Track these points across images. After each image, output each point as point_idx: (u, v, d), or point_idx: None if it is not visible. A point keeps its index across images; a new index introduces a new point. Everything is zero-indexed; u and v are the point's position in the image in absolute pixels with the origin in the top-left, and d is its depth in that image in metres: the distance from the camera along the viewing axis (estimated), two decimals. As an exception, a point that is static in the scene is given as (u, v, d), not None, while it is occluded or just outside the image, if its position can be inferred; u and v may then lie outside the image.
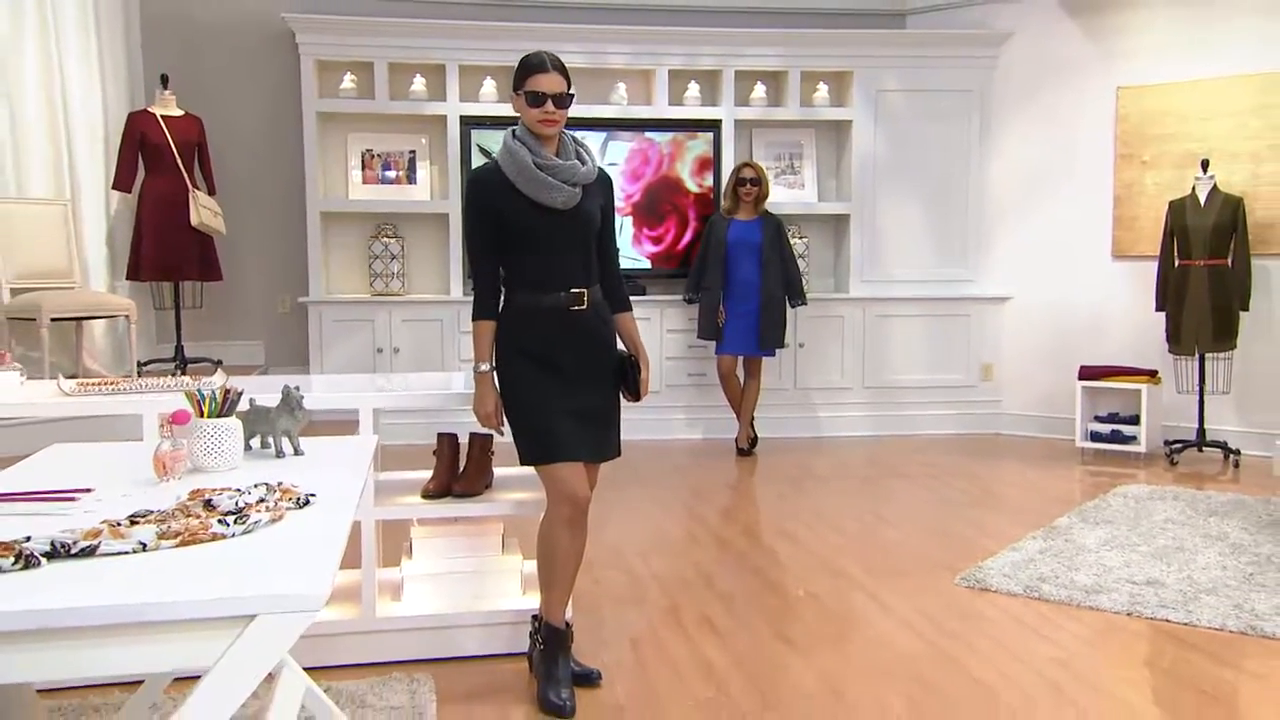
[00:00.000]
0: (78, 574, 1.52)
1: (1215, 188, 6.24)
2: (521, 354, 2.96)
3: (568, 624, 3.07)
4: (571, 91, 2.91)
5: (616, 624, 3.58)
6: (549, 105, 2.86)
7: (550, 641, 3.00)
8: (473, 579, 3.44)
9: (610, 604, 3.78)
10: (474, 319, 2.99)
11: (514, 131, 2.94)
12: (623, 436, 3.12)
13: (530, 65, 2.89)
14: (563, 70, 2.91)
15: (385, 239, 6.98)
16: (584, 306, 2.97)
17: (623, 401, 3.10)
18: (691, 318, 6.89)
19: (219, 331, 7.06)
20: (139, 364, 6.15)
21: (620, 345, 3.11)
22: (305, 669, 2.64)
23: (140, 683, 2.68)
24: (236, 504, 1.84)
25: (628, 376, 3.04)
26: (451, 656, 3.24)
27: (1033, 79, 7.21)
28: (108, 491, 2.03)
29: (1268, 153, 6.39)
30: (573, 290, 2.95)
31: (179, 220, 6.30)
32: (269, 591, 1.44)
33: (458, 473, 3.42)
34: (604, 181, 3.06)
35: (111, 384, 3.27)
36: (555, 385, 2.94)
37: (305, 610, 1.43)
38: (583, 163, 2.97)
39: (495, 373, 3.00)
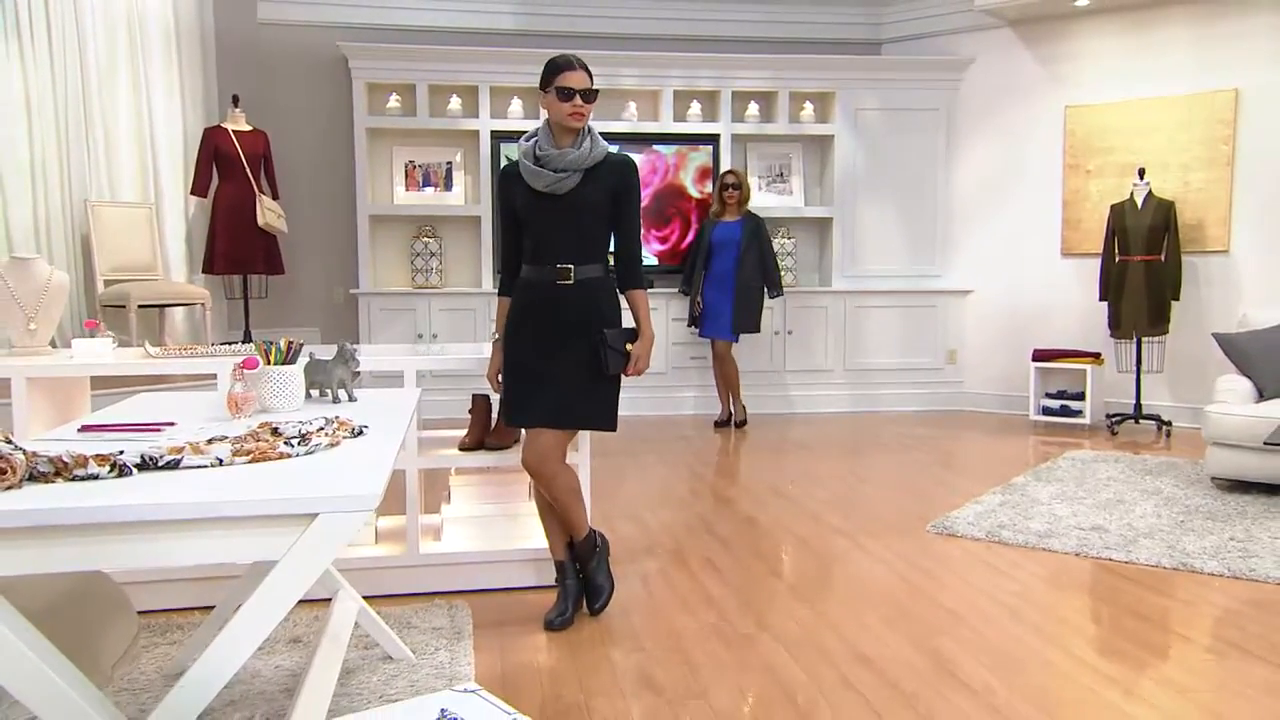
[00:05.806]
0: (164, 481, 1.52)
1: (1150, 193, 6.21)
2: (513, 322, 2.94)
3: (570, 545, 3.04)
4: (596, 88, 2.85)
5: (630, 564, 3.58)
6: (578, 100, 2.79)
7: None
8: (503, 521, 3.43)
9: (625, 548, 3.77)
10: (497, 295, 3.04)
11: (535, 129, 2.90)
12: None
13: (559, 65, 2.82)
14: (587, 70, 2.85)
15: (425, 239, 6.98)
16: (569, 281, 2.84)
17: (623, 377, 2.94)
18: (692, 308, 6.86)
19: (281, 319, 7.05)
20: (212, 345, 6.16)
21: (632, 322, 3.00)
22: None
23: (213, 608, 2.69)
24: (300, 431, 1.83)
25: (598, 352, 2.85)
26: (485, 588, 3.25)
27: (992, 99, 7.18)
28: (187, 425, 2.03)
29: (1195, 163, 6.35)
30: (558, 266, 2.84)
31: (247, 221, 6.29)
32: (329, 493, 1.44)
33: (490, 429, 3.42)
34: (618, 167, 2.89)
35: (190, 350, 3.27)
36: (528, 351, 2.89)
37: (360, 509, 1.42)
38: (579, 149, 2.82)
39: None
